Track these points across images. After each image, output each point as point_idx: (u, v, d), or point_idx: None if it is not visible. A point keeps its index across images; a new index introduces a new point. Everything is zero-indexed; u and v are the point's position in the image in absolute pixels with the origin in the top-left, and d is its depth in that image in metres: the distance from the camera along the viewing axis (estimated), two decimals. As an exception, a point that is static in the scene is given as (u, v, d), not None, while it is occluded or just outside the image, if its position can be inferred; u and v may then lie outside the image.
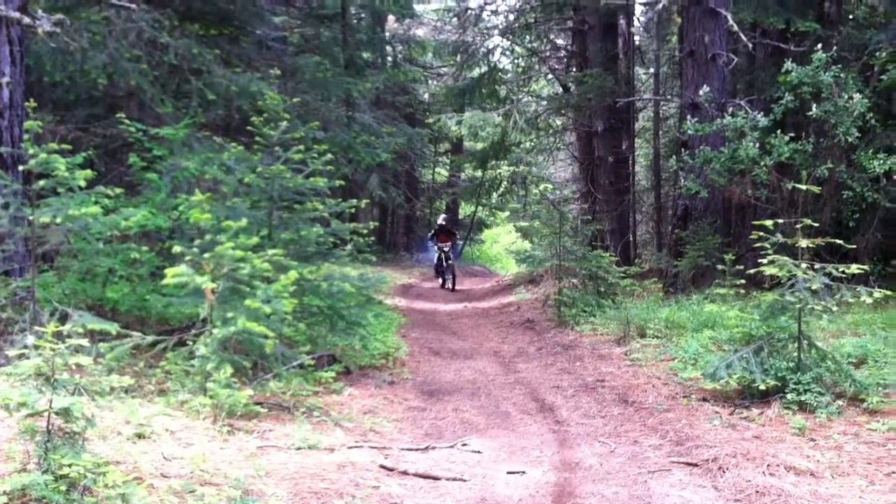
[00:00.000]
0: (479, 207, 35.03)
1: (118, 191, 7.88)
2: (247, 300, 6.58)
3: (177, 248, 6.94)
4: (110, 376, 4.92)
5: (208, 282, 6.64)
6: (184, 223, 8.19)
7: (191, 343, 6.92)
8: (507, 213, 34.17)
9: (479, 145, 25.88)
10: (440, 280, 22.06)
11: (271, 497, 4.63)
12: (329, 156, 9.17)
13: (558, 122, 23.47)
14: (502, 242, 37.20)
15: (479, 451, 6.39)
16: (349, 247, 9.46)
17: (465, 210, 36.86)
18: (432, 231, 22.55)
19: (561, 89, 22.83)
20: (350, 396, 7.87)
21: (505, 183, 27.45)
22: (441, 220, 22.84)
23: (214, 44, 11.57)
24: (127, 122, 9.62)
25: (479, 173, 30.34)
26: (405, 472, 5.66)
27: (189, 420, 6.08)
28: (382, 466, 5.72)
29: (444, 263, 21.61)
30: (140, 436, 5.45)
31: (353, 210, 9.64)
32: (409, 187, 31.28)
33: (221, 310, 6.67)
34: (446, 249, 21.49)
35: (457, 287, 21.83)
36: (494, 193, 28.62)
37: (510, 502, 5.18)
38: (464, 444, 6.57)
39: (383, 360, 9.85)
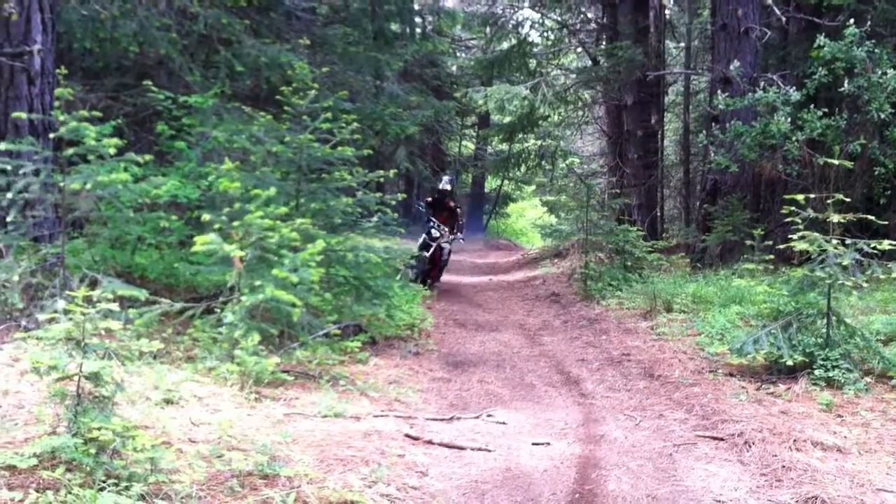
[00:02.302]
0: (506, 181, 34.95)
1: (147, 159, 7.91)
2: (274, 269, 6.61)
3: (206, 217, 6.98)
4: (139, 342, 4.96)
5: (236, 250, 6.67)
6: (213, 192, 8.22)
7: (218, 311, 6.97)
8: (534, 187, 34.02)
9: (507, 119, 25.73)
10: (411, 271, 14.28)
11: (298, 463, 4.67)
12: (356, 125, 9.17)
13: (587, 96, 23.30)
14: (528, 217, 37.08)
15: (503, 423, 6.39)
16: (375, 218, 9.47)
17: (491, 183, 36.79)
18: (428, 199, 15.87)
19: (590, 62, 22.64)
20: (375, 366, 7.90)
21: (532, 157, 27.29)
22: (443, 183, 15.83)
23: (244, 14, 11.56)
24: (155, 90, 9.65)
25: (505, 147, 30.21)
26: (430, 442, 5.68)
27: (216, 387, 6.12)
28: (408, 435, 5.74)
29: (431, 254, 14.67)
30: (168, 401, 5.50)
31: (380, 181, 9.64)
32: (436, 160, 31.21)
33: (249, 278, 6.71)
34: (440, 235, 14.78)
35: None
36: (521, 167, 28.46)
37: (535, 473, 5.19)
38: (489, 416, 6.58)
39: (408, 331, 9.87)
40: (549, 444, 5.85)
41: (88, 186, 6.76)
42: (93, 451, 4.00)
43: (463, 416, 6.56)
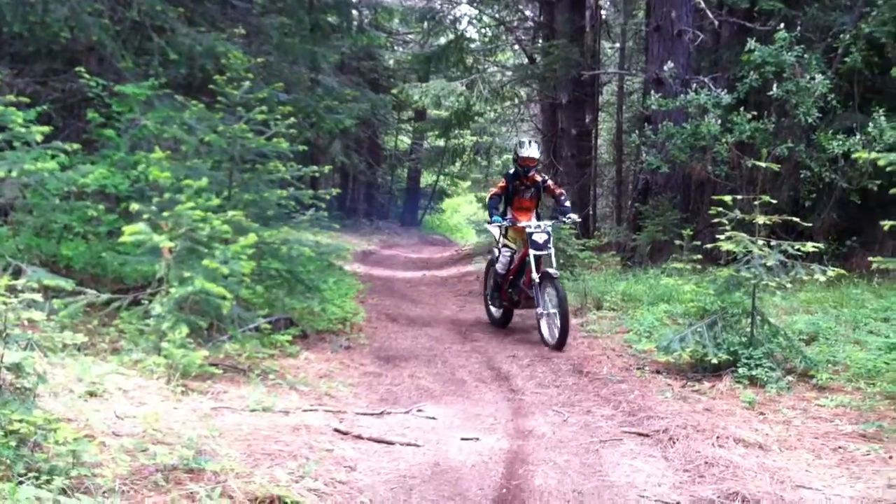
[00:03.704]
0: (441, 176, 35.02)
1: (76, 146, 7.74)
2: (205, 260, 6.52)
3: (135, 207, 6.85)
4: (63, 333, 4.87)
5: (166, 241, 6.57)
6: (143, 181, 8.08)
7: (146, 302, 6.85)
8: (469, 183, 34.18)
9: (443, 114, 25.77)
10: (497, 314, 10.88)
11: (224, 457, 4.62)
12: (292, 119, 9.10)
13: (523, 93, 23.45)
14: (463, 212, 37.22)
15: (433, 418, 6.42)
16: (310, 212, 9.42)
17: (427, 178, 36.82)
18: (500, 183, 10.39)
19: (527, 60, 22.78)
20: (306, 360, 7.86)
21: (468, 152, 27.39)
22: (529, 148, 10.22)
23: (179, 2, 11.36)
24: (87, 76, 9.46)
25: (441, 142, 30.27)
26: (359, 436, 5.68)
27: (142, 379, 6.03)
28: (337, 430, 5.73)
29: (537, 277, 9.51)
30: (92, 394, 5.40)
31: (314, 175, 9.58)
32: (372, 154, 31.15)
33: (178, 269, 6.61)
34: (548, 238, 9.63)
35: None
36: (457, 162, 28.56)
37: (463, 468, 5.22)
38: (419, 410, 6.60)
39: (341, 325, 9.84)
40: (478, 439, 5.88)
41: (14, 174, 6.59)
42: (13, 443, 3.92)
43: (393, 410, 6.57)
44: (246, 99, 8.71)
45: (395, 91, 25.30)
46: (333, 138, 23.88)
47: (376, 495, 4.64)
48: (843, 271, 8.02)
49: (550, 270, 9.33)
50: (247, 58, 9.50)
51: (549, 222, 9.92)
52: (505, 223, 10.04)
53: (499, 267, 10.31)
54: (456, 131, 26.24)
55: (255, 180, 8.72)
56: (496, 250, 10.54)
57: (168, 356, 6.14)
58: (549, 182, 10.43)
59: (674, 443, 5.66)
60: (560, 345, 8.97)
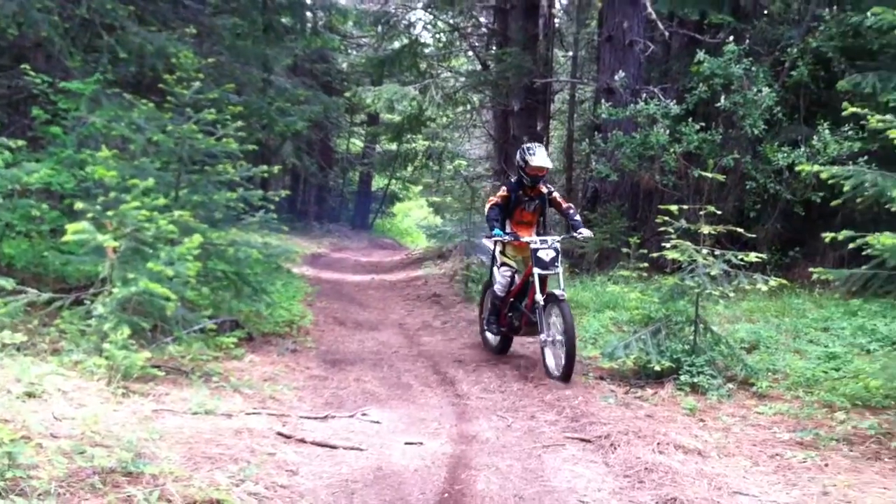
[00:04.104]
0: (393, 180, 34.99)
1: (20, 143, 7.63)
2: (149, 262, 6.46)
3: (79, 205, 6.76)
4: (2, 332, 4.80)
5: (110, 240, 6.49)
6: (89, 180, 7.98)
7: (88, 302, 6.76)
8: (421, 188, 34.18)
9: (396, 118, 25.75)
10: (494, 341, 9.47)
11: (164, 460, 4.58)
12: (241, 122, 9.05)
13: (476, 99, 23.52)
14: (414, 216, 37.23)
15: (378, 422, 6.42)
16: (260, 214, 9.36)
17: (378, 182, 36.76)
18: (501, 192, 8.88)
19: (480, 66, 22.85)
20: (251, 363, 7.81)
21: (420, 157, 27.39)
22: (539, 157, 8.65)
23: (129, 0, 11.25)
24: (33, 73, 9.31)
25: (394, 146, 30.25)
26: (302, 440, 5.66)
27: (82, 381, 5.95)
28: (280, 434, 5.70)
29: (541, 300, 8.22)
30: (30, 394, 5.32)
31: (264, 176, 9.53)
32: (324, 156, 31.06)
33: (122, 270, 6.54)
34: (556, 255, 8.28)
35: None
36: (408, 167, 28.55)
37: (406, 472, 5.22)
38: (363, 414, 6.59)
39: (287, 328, 9.80)
40: (421, 443, 5.89)
41: (-46, 170, 6.49)
42: (-54, 445, 3.85)
43: (338, 414, 6.56)
44: (196, 99, 8.65)
45: (347, 94, 25.23)
46: (285, 140, 23.76)
47: (317, 499, 4.62)
48: (784, 281, 8.18)
49: (557, 292, 8.03)
50: (198, 58, 9.43)
51: (558, 237, 8.50)
52: (506, 237, 8.57)
53: (497, 288, 8.89)
54: (408, 136, 26.25)
55: (203, 181, 8.65)
56: (493, 270, 9.13)
57: (109, 357, 6.07)
58: (556, 194, 9.05)
59: (615, 448, 5.72)
60: (566, 376, 7.73)
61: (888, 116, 6.46)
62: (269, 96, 14.99)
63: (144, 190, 6.94)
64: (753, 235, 9.34)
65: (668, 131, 12.77)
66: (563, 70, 23.77)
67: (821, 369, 7.69)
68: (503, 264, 8.90)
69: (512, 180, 8.91)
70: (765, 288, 7.63)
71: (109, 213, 6.64)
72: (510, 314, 8.91)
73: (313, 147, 29.23)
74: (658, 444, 5.76)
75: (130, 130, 8.63)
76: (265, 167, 9.20)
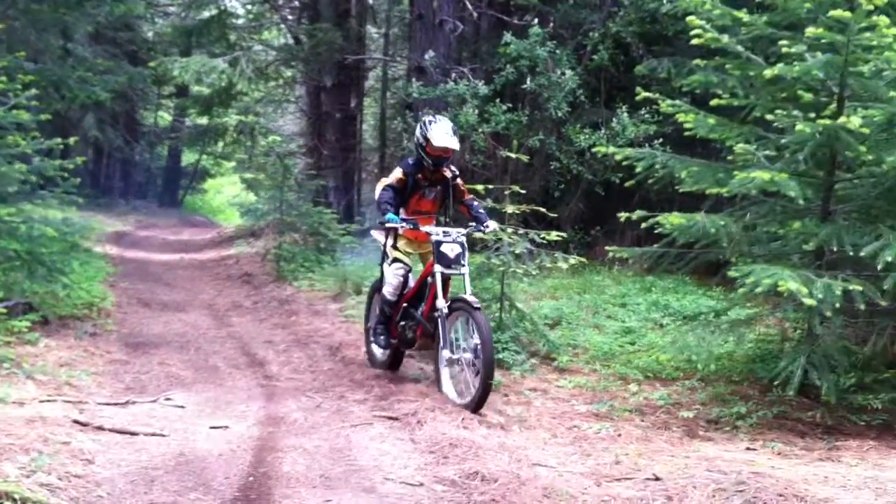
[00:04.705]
0: (204, 156, 34.07)
1: None
2: (-71, 242, 6.05)
3: None
4: None
5: None
6: None
7: None
8: (233, 164, 33.43)
9: (206, 91, 25.01)
10: (382, 355, 7.63)
11: (-54, 454, 4.32)
12: (36, 91, 8.58)
13: (288, 74, 23.17)
14: (227, 193, 36.41)
15: (182, 406, 6.26)
16: (58, 189, 8.92)
17: (188, 158, 35.69)
18: (397, 174, 7.19)
19: (293, 40, 22.51)
20: (46, 348, 7.46)
21: (231, 132, 26.74)
22: (445, 133, 7.03)
23: None
24: None
25: (204, 120, 29.41)
26: (100, 428, 5.45)
27: None
28: (76, 421, 5.47)
29: (444, 306, 6.65)
30: None
31: (61, 147, 9.07)
32: (129, 130, 29.85)
33: None
34: (462, 252, 6.85)
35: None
36: (220, 142, 27.85)
37: (210, 457, 5.13)
38: (167, 399, 6.42)
39: (87, 310, 9.41)
40: (227, 427, 5.80)
41: None
42: None
43: (139, 399, 6.36)
44: (-18, 67, 8.14)
45: (153, 64, 24.34)
46: (87, 111, 22.72)
47: (115, 488, 4.46)
48: (585, 259, 8.54)
49: (468, 297, 6.48)
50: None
51: (462, 230, 6.99)
52: (403, 224, 6.93)
53: (387, 291, 7.20)
54: (219, 110, 25.60)
55: (-9, 155, 8.16)
56: (383, 267, 7.45)
57: None
58: (459, 181, 7.52)
59: (422, 425, 5.80)
60: (478, 405, 6.12)
61: (678, 101, 6.82)
62: (69, 65, 14.31)
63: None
64: (556, 215, 9.68)
65: (477, 111, 12.99)
66: (376, 47, 23.75)
67: (617, 343, 8.08)
68: (395, 260, 7.22)
69: (409, 161, 7.25)
70: (566, 266, 7.93)
71: None
72: (403, 323, 7.22)
73: (118, 119, 28.06)
74: (463, 419, 5.90)
75: None
76: (59, 140, 8.77)
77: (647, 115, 12.08)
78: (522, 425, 5.97)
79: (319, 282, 12.35)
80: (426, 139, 6.98)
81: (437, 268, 6.72)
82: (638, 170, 6.94)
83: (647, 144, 10.76)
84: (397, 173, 7.17)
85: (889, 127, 6.15)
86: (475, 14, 15.34)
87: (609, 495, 4.59)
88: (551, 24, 13.11)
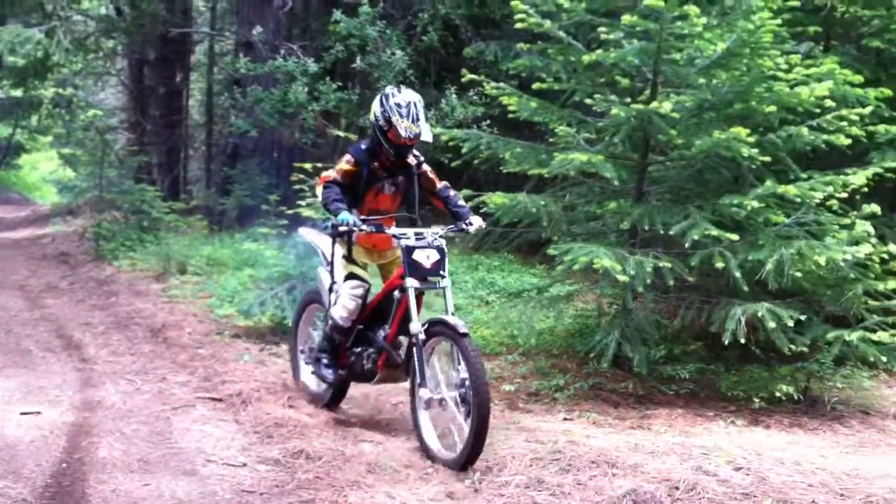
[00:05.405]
0: (18, 130, 32.33)
1: None
2: None
3: None
4: None
5: None
6: None
7: None
8: (50, 139, 31.86)
9: (20, 62, 23.70)
10: (319, 388, 5.97)
11: None
12: None
13: (109, 46, 22.23)
14: (43, 169, 34.68)
15: (-10, 392, 5.97)
16: None
17: (1, 131, 33.79)
18: (346, 163, 5.50)
19: (114, 11, 21.60)
20: None
21: (47, 105, 25.45)
22: (415, 117, 5.38)
23: None
24: None
25: (19, 92, 27.88)
26: None
27: None
28: None
29: (420, 331, 5.11)
30: None
31: None
32: (-65, 101, 27.99)
33: None
34: (440, 258, 5.31)
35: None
36: (35, 116, 26.46)
37: (20, 444, 4.91)
38: (-27, 385, 6.10)
39: None
40: (39, 413, 5.58)
41: None
42: None
43: (-59, 387, 6.01)
44: None
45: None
46: None
47: (-88, 481, 4.22)
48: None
49: (450, 320, 5.06)
50: None
51: (440, 230, 5.48)
52: (363, 227, 5.34)
53: (339, 315, 5.58)
54: (34, 82, 24.33)
55: None
56: (323, 275, 5.91)
57: None
58: (427, 167, 5.98)
59: (246, 406, 5.75)
60: (469, 461, 4.72)
61: (502, 84, 6.97)
62: None
63: None
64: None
65: (306, 89, 12.83)
66: (203, 21, 23.09)
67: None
68: (351, 276, 5.60)
69: (361, 146, 5.66)
70: (394, 244, 7.95)
71: None
72: (358, 350, 5.72)
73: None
74: (289, 398, 5.89)
75: None
76: None
77: (475, 97, 12.22)
78: (352, 403, 5.99)
79: (141, 261, 11.94)
80: (389, 123, 5.37)
81: (410, 281, 5.20)
82: (464, 150, 7.06)
83: (475, 126, 10.89)
84: (345, 164, 5.53)
85: (699, 112, 6.49)
86: (304, -10, 15.16)
87: (434, 468, 4.68)
88: (381, 4, 13.06)
